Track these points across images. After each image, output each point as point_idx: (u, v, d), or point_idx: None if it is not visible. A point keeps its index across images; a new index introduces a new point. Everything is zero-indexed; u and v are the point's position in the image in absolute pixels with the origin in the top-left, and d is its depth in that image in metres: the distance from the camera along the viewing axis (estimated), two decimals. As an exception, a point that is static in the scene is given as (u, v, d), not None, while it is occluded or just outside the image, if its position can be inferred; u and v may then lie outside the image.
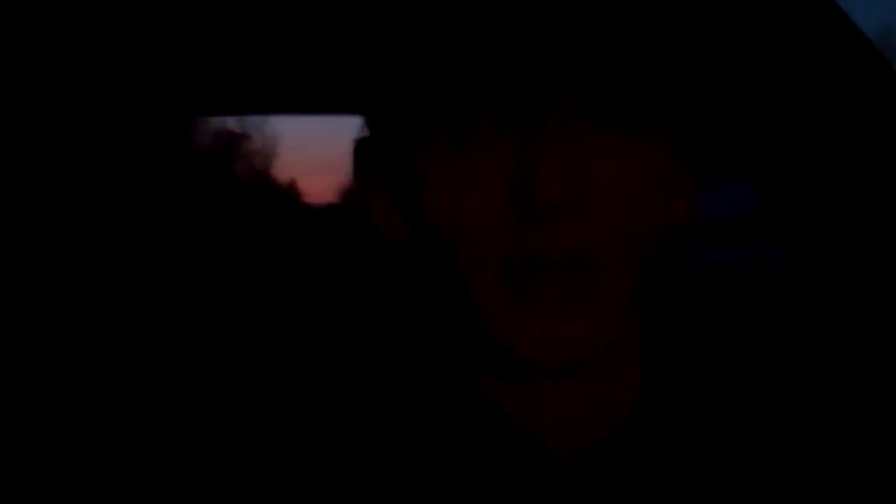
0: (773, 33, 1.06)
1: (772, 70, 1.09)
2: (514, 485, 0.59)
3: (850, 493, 0.60)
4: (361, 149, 0.63)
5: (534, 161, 0.52)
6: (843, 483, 0.61)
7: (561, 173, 0.51)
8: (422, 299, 0.64)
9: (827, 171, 1.08)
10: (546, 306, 0.54)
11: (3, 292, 1.58)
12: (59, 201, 1.75)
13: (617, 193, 0.54)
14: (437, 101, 0.55)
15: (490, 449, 0.60)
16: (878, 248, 1.02)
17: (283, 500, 0.60)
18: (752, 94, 1.16)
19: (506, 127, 0.53)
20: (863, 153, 1.03)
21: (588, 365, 0.58)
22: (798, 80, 1.05)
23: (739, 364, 0.66)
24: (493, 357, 0.58)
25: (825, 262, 1.09)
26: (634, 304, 0.58)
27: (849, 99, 1.01)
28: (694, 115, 0.60)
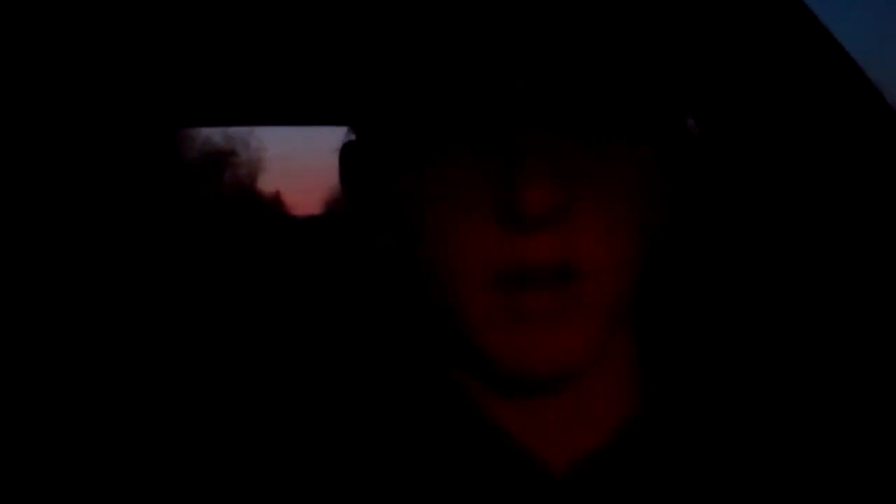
0: (752, 46, 1.07)
1: (749, 80, 1.10)
2: (508, 500, 0.59)
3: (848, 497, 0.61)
4: (348, 153, 0.63)
5: (520, 174, 0.52)
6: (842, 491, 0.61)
7: (546, 185, 0.52)
8: (409, 311, 0.64)
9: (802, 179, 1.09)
10: (534, 318, 0.54)
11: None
12: (48, 210, 1.74)
13: (602, 204, 0.54)
14: (424, 113, 0.55)
15: (484, 464, 0.60)
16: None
17: None
18: (728, 105, 1.17)
19: (491, 139, 0.54)
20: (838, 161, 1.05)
21: (578, 376, 0.58)
22: (776, 89, 1.06)
23: (731, 369, 0.66)
24: (482, 369, 0.58)
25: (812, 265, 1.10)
26: (622, 314, 0.58)
27: (827, 112, 1.03)
28: (673, 126, 0.61)
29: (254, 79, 1.73)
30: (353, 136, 0.63)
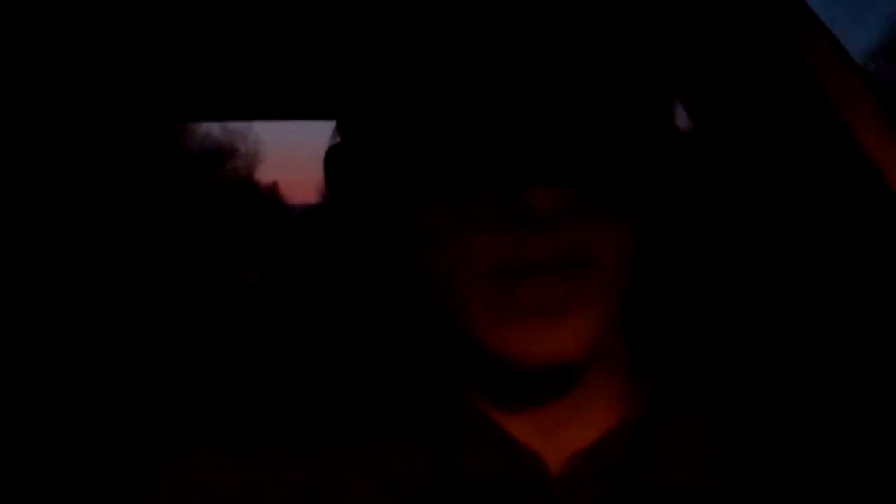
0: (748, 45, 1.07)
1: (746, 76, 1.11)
2: (505, 497, 0.58)
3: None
4: (334, 157, 0.63)
5: (528, 172, 0.51)
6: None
7: (556, 184, 0.51)
8: (404, 308, 0.64)
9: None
10: (537, 309, 0.53)
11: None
12: (49, 205, 1.74)
13: (607, 197, 0.54)
14: (428, 107, 0.55)
15: (481, 460, 0.59)
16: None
17: None
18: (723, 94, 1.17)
19: (498, 136, 0.53)
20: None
21: (575, 374, 0.58)
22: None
23: (726, 366, 0.66)
24: (480, 364, 0.58)
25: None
26: (617, 309, 0.58)
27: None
28: (671, 119, 0.61)
29: (252, 75, 1.73)
30: (339, 140, 0.63)
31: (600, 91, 0.54)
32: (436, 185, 0.54)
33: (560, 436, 0.60)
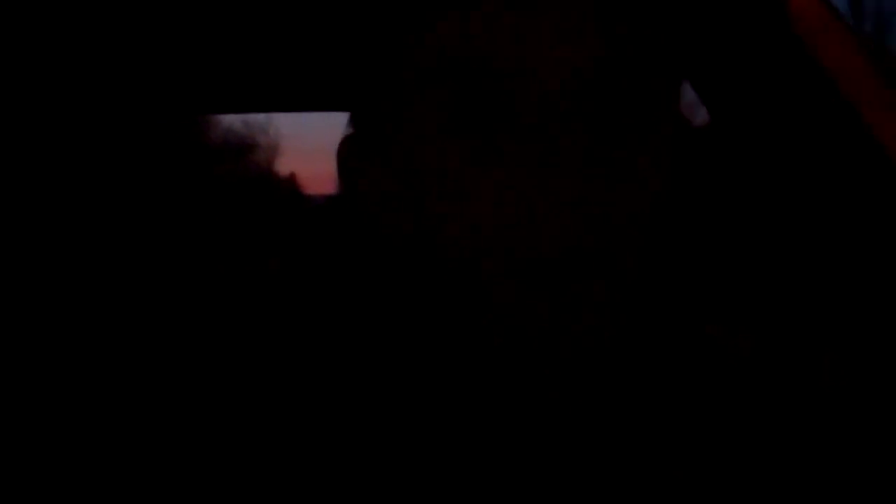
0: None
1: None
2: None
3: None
4: (347, 147, 0.63)
5: (548, 164, 0.52)
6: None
7: (576, 179, 0.52)
8: (421, 296, 0.64)
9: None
10: (557, 302, 0.54)
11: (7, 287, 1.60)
12: (68, 198, 1.76)
13: (624, 195, 0.54)
14: (440, 99, 0.55)
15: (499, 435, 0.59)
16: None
17: (281, 497, 0.59)
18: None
19: (518, 130, 0.54)
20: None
21: (594, 357, 0.58)
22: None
23: (728, 352, 0.66)
24: (498, 355, 0.58)
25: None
26: (634, 297, 0.57)
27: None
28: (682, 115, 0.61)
29: (272, 68, 1.74)
30: (352, 131, 0.63)
31: (611, 88, 0.54)
32: (448, 175, 0.55)
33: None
